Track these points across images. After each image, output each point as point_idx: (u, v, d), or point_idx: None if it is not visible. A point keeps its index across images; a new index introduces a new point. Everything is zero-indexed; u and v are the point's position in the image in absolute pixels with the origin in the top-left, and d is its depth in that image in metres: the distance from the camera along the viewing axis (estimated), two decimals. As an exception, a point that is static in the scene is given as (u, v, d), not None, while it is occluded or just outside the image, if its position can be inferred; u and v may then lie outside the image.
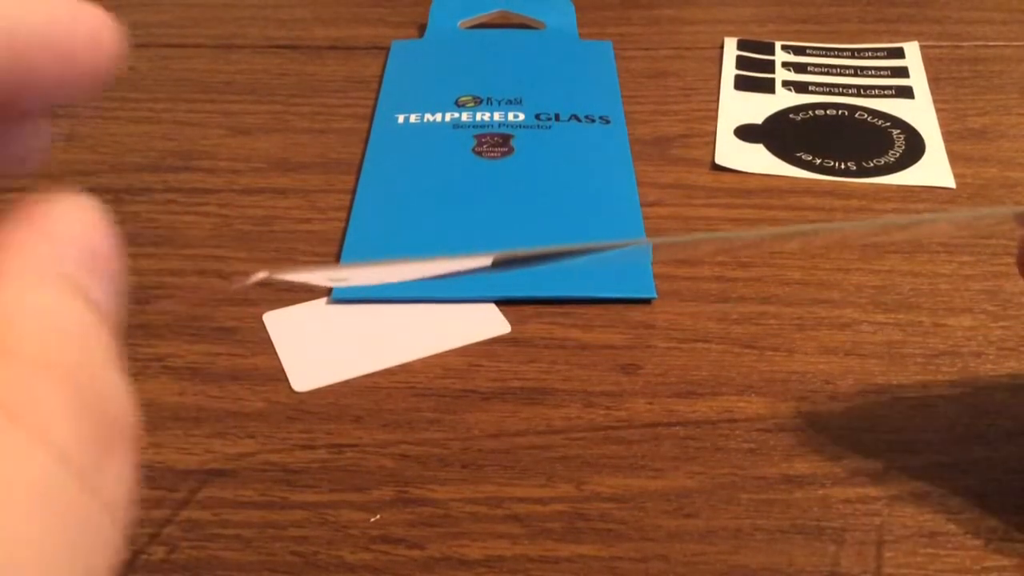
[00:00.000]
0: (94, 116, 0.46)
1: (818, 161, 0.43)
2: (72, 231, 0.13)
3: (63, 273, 0.12)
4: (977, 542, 0.27)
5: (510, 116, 0.45)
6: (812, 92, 0.48)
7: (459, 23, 0.54)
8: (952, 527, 0.27)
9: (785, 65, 0.51)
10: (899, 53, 0.52)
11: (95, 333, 0.12)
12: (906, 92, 0.48)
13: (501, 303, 0.35)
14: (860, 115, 0.47)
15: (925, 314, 0.35)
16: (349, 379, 0.32)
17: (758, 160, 0.43)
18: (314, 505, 0.28)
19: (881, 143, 0.44)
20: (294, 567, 0.26)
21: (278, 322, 0.34)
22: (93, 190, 0.14)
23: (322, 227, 0.39)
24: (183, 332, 0.34)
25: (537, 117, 0.45)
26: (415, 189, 0.41)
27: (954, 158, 0.43)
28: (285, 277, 0.16)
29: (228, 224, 0.39)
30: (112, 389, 0.12)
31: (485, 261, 0.20)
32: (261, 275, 0.15)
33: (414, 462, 0.29)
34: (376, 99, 0.47)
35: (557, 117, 0.45)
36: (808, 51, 0.52)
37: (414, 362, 0.33)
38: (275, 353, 0.33)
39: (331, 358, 0.33)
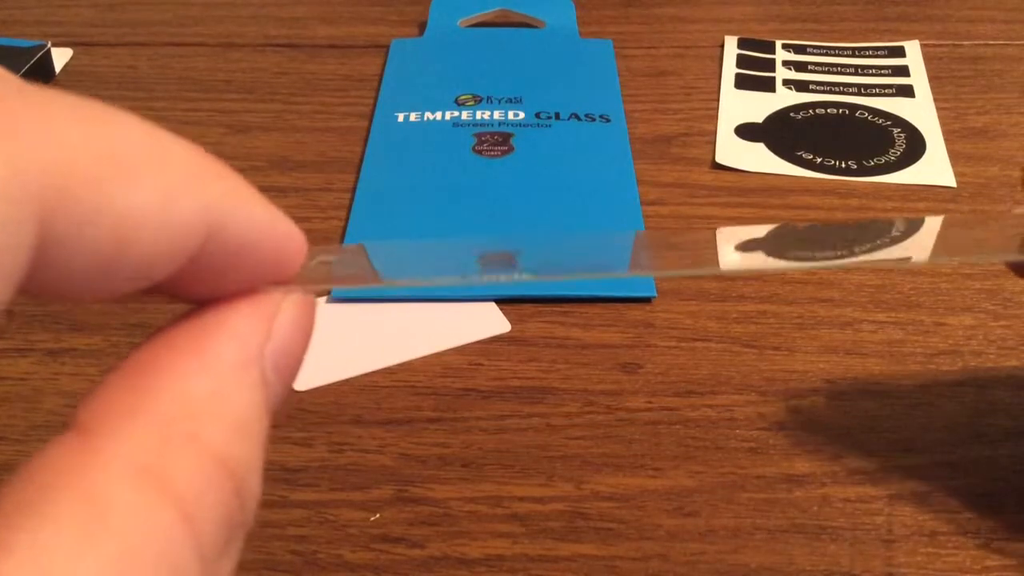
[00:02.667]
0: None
1: (819, 160, 0.43)
2: (284, 331, 0.14)
3: (261, 367, 0.13)
4: (977, 541, 0.27)
5: (510, 115, 0.45)
6: (813, 91, 0.48)
7: (459, 21, 0.54)
8: (952, 526, 0.27)
9: (786, 64, 0.51)
10: (900, 52, 0.51)
11: (261, 429, 0.13)
12: (907, 91, 0.48)
13: (501, 302, 0.35)
14: (861, 114, 0.47)
15: (925, 313, 0.35)
16: (349, 378, 0.32)
17: (759, 159, 0.43)
18: (314, 504, 0.28)
19: (882, 142, 0.44)
20: (294, 566, 0.26)
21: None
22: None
23: (322, 226, 0.39)
24: (183, 331, 0.34)
25: (537, 116, 0.45)
26: (415, 188, 0.41)
27: (955, 157, 0.43)
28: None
29: (228, 223, 0.39)
30: (254, 483, 0.13)
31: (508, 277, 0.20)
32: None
33: (414, 461, 0.29)
34: (376, 98, 0.47)
35: (557, 116, 0.45)
36: (809, 50, 0.52)
37: (414, 361, 0.33)
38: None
39: (331, 357, 0.33)
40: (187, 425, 0.12)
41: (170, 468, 0.12)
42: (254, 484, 0.13)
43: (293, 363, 0.14)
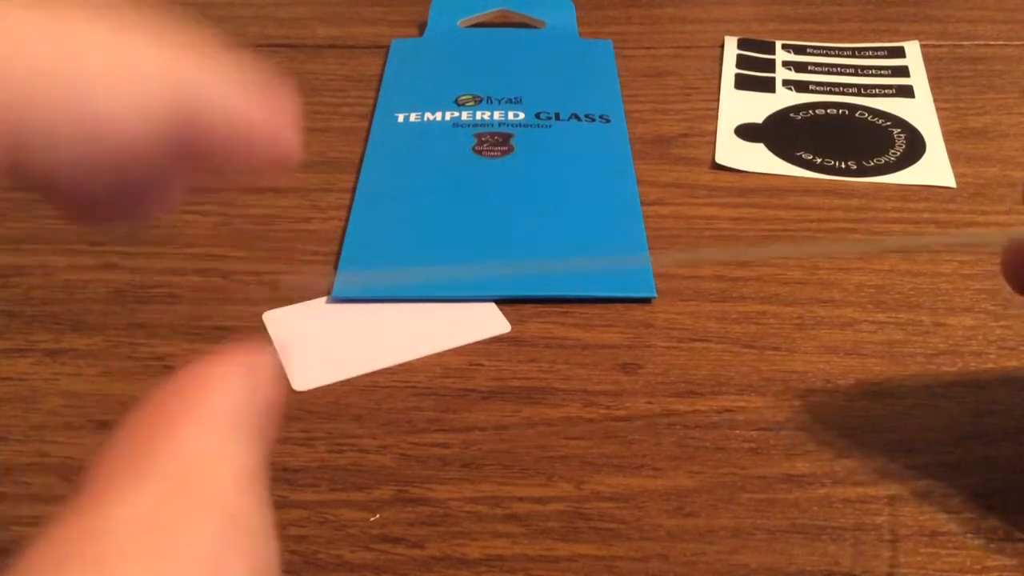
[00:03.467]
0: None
1: (819, 160, 0.43)
2: (263, 385, 0.15)
3: (253, 422, 0.14)
4: (978, 541, 0.27)
5: (510, 115, 0.45)
6: (812, 91, 0.48)
7: (459, 22, 0.54)
8: (953, 526, 0.27)
9: (785, 64, 0.51)
10: (900, 52, 0.51)
11: (259, 479, 0.14)
12: (907, 91, 0.48)
13: (501, 302, 0.35)
14: (861, 114, 0.47)
15: (925, 313, 0.35)
16: (349, 378, 0.32)
17: (758, 159, 0.43)
18: (314, 504, 0.28)
19: (882, 142, 0.44)
20: (294, 566, 0.26)
21: (278, 321, 0.34)
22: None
23: (322, 226, 0.39)
24: (183, 332, 0.34)
25: (537, 116, 0.45)
26: (415, 188, 0.41)
27: (955, 157, 0.43)
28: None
29: (228, 223, 0.39)
30: (261, 530, 0.14)
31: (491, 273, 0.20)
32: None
33: (414, 461, 0.29)
34: (376, 98, 0.47)
35: (557, 116, 0.45)
36: (809, 50, 0.52)
37: (414, 361, 0.33)
38: (275, 352, 0.33)
39: (331, 357, 0.33)
40: (196, 484, 0.12)
41: (184, 530, 0.12)
42: (257, 528, 0.13)
43: (276, 412, 0.15)
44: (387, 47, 0.52)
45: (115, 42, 0.13)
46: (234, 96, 0.14)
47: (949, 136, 0.45)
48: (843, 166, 0.43)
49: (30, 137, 0.12)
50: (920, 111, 0.46)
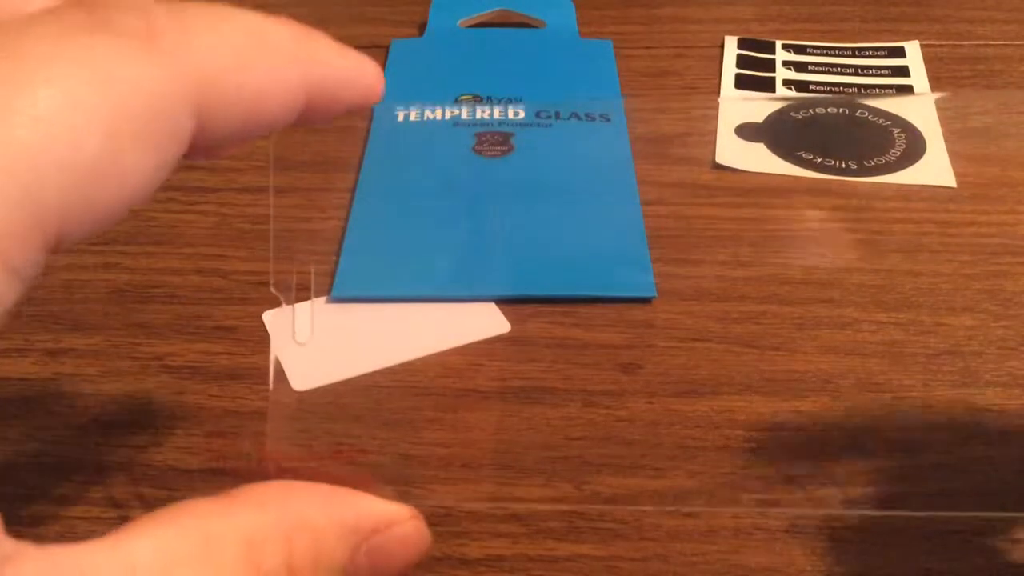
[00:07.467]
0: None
1: (819, 160, 0.43)
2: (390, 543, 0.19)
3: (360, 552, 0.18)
4: (978, 542, 0.27)
5: (510, 114, 0.45)
6: (813, 91, 0.48)
7: (459, 22, 0.54)
8: (953, 526, 0.27)
9: (786, 64, 0.51)
10: (900, 52, 0.51)
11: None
12: (907, 91, 0.48)
13: (501, 302, 0.35)
14: (861, 114, 0.47)
15: (926, 313, 0.35)
16: (349, 378, 0.32)
17: (759, 159, 0.43)
18: (314, 504, 0.28)
19: (882, 142, 0.44)
20: (294, 567, 0.26)
21: (278, 321, 0.34)
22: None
23: (322, 226, 0.39)
24: (183, 332, 0.34)
25: (537, 115, 0.45)
26: (415, 187, 0.41)
27: (955, 157, 0.43)
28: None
29: (227, 223, 0.39)
30: None
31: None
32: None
33: (414, 462, 0.29)
34: (376, 98, 0.47)
35: (557, 115, 0.45)
36: (809, 50, 0.52)
37: (414, 361, 0.33)
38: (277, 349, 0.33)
39: (331, 357, 0.33)
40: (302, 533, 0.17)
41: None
42: None
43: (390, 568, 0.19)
44: (387, 47, 0.52)
45: (252, 31, 0.16)
46: (342, 57, 0.18)
47: (949, 136, 0.44)
48: (843, 166, 0.43)
49: (209, 116, 0.16)
50: (920, 111, 0.46)
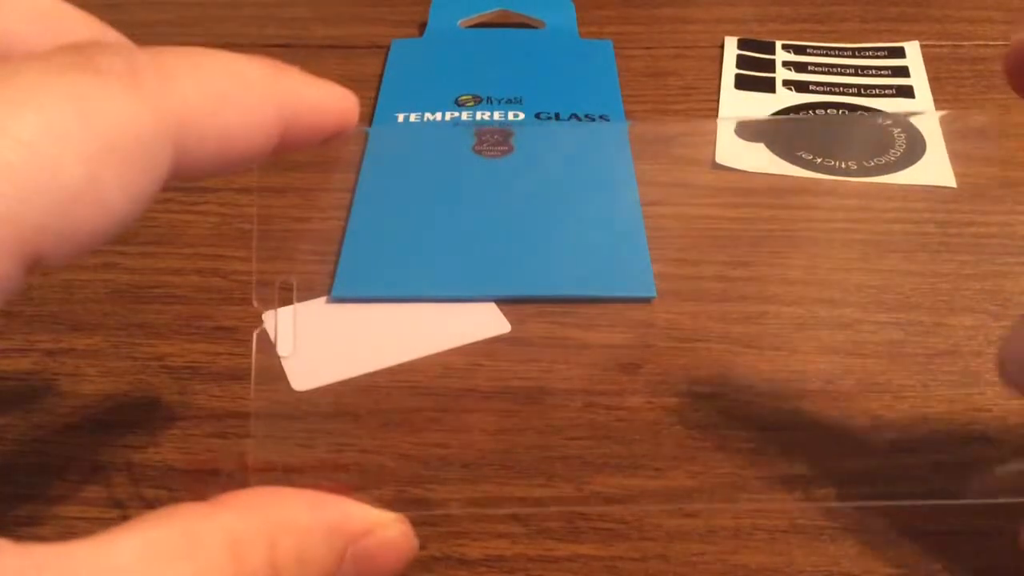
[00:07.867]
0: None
1: (819, 160, 0.43)
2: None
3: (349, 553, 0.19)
4: (979, 542, 0.27)
5: (510, 115, 0.45)
6: (813, 91, 0.48)
7: (459, 22, 0.54)
8: (953, 527, 0.27)
9: (786, 64, 0.51)
10: (900, 52, 0.51)
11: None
12: (907, 91, 0.48)
13: (501, 302, 0.35)
14: (861, 114, 0.47)
15: (925, 313, 0.35)
16: (349, 378, 0.32)
17: (759, 159, 0.43)
18: (314, 504, 0.28)
19: (882, 142, 0.44)
20: (294, 567, 0.26)
21: (278, 321, 0.34)
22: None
23: (322, 226, 0.39)
24: (183, 332, 0.34)
25: (537, 116, 0.45)
26: (415, 187, 0.41)
27: (955, 157, 0.43)
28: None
29: (227, 223, 0.39)
30: None
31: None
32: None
33: (414, 461, 0.29)
34: (376, 98, 0.47)
35: (557, 116, 0.45)
36: (809, 50, 0.52)
37: (414, 361, 0.33)
38: (275, 352, 0.33)
39: (331, 357, 0.33)
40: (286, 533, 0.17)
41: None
42: None
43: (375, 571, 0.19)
44: (387, 47, 0.52)
45: (228, 72, 0.17)
46: (315, 88, 0.19)
47: (949, 136, 0.44)
48: (843, 166, 0.43)
49: (188, 151, 0.17)
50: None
